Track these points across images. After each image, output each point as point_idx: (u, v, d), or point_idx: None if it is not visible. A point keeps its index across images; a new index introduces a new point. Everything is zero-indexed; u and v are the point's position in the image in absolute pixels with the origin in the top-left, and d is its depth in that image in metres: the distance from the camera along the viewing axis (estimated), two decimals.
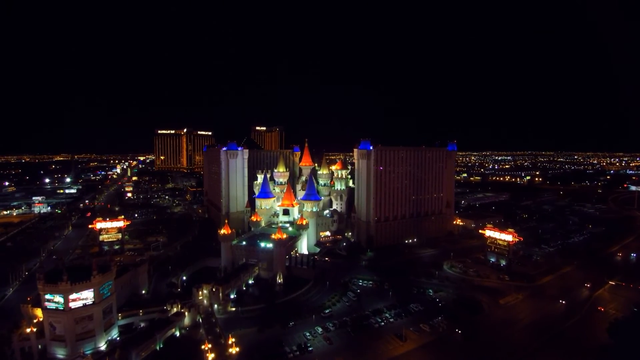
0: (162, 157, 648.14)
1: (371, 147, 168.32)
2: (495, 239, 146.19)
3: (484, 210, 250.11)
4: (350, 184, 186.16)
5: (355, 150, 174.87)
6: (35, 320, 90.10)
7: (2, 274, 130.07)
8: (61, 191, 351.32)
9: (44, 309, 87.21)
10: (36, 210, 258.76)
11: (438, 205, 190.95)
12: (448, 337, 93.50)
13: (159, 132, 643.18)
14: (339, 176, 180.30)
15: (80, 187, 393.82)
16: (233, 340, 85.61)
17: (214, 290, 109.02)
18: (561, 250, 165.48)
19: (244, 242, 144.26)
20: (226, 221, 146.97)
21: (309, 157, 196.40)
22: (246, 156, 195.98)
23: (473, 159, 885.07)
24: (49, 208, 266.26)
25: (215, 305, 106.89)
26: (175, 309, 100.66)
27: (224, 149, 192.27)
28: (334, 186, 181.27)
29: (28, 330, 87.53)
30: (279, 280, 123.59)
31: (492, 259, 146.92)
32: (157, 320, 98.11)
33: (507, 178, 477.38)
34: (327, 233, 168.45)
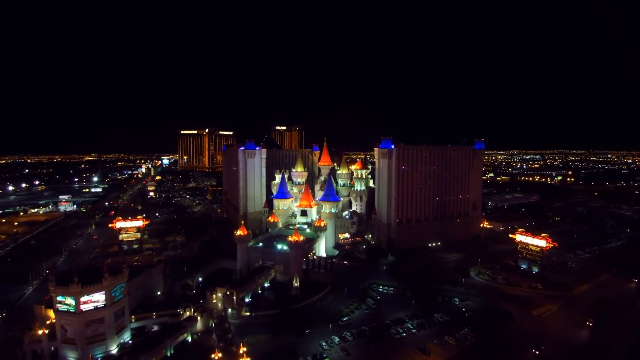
0: (185, 157, 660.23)
1: (392, 146, 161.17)
2: (527, 244, 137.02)
3: (512, 212, 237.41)
4: (371, 184, 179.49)
5: (375, 149, 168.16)
6: (47, 322, 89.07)
7: (24, 273, 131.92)
8: (87, 190, 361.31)
9: (56, 311, 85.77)
10: (62, 208, 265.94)
11: (464, 207, 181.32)
12: (475, 351, 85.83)
13: (182, 132, 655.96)
14: (359, 176, 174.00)
15: (106, 186, 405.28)
16: (244, 349, 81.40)
17: (228, 293, 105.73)
18: (597, 256, 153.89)
19: (261, 244, 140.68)
20: (242, 222, 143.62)
21: (328, 156, 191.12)
22: (264, 156, 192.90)
23: (500, 158, 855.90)
24: (75, 207, 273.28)
25: (229, 310, 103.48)
26: (187, 313, 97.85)
27: (242, 148, 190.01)
28: (354, 186, 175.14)
29: (40, 332, 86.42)
30: (295, 284, 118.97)
31: (524, 266, 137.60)
32: (168, 324, 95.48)
33: (537, 178, 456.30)
34: (346, 235, 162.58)
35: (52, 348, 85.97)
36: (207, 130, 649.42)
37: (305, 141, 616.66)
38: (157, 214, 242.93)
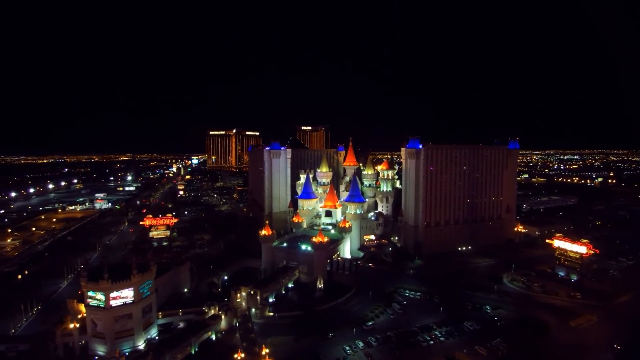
0: (213, 157, 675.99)
1: (421, 146, 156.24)
2: (566, 250, 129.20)
3: (549, 216, 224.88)
4: (398, 185, 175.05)
5: (403, 149, 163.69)
6: (79, 316, 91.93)
7: (60, 268, 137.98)
8: (121, 189, 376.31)
9: (87, 306, 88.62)
10: (97, 206, 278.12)
11: (497, 210, 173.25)
12: None
13: (211, 133, 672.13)
14: (385, 177, 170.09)
15: (139, 184, 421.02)
16: (267, 350, 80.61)
17: (252, 293, 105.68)
18: None
19: (285, 244, 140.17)
20: (267, 222, 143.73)
21: (354, 156, 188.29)
22: (289, 156, 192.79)
23: (535, 159, 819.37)
24: (110, 204, 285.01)
25: (253, 309, 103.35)
26: (212, 311, 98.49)
27: (267, 148, 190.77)
28: (380, 187, 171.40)
29: (71, 325, 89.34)
30: (319, 285, 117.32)
31: (561, 273, 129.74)
32: (193, 322, 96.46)
33: (576, 179, 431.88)
34: (372, 237, 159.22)
35: (83, 342, 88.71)
36: (234, 130, 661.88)
37: (330, 141, 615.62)
38: (186, 212, 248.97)
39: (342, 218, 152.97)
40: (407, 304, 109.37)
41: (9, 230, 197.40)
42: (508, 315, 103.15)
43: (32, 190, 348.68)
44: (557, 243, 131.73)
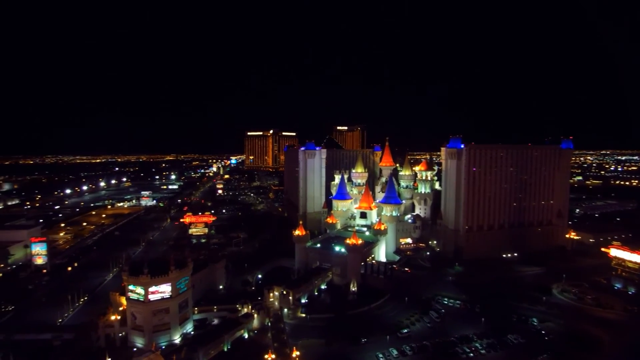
0: (250, 157, 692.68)
1: (462, 146, 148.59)
2: (623, 260, 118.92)
3: (605, 222, 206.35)
4: (437, 186, 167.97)
5: (443, 149, 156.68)
6: (120, 309, 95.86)
7: (106, 261, 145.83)
8: (165, 187, 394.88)
9: (127, 299, 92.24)
10: (143, 203, 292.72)
11: (546, 214, 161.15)
12: None
13: (249, 133, 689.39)
14: (424, 178, 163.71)
15: (181, 183, 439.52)
16: (298, 353, 79.34)
17: (284, 293, 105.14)
18: None
19: (319, 245, 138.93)
20: (300, 222, 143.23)
21: (390, 156, 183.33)
22: (324, 156, 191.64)
23: (590, 159, 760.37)
24: (154, 202, 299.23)
25: (285, 310, 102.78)
26: (245, 310, 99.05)
27: (302, 148, 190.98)
28: (418, 189, 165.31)
29: (113, 317, 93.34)
30: (353, 288, 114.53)
31: (618, 285, 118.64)
32: (226, 319, 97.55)
33: (635, 182, 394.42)
34: (408, 240, 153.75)
35: (123, 333, 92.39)
36: (271, 131, 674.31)
37: (366, 141, 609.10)
38: (224, 211, 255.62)
39: (378, 220, 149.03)
40: (446, 312, 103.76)
41: (62, 225, 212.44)
42: (557, 329, 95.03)
43: (85, 187, 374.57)
44: (614, 252, 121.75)
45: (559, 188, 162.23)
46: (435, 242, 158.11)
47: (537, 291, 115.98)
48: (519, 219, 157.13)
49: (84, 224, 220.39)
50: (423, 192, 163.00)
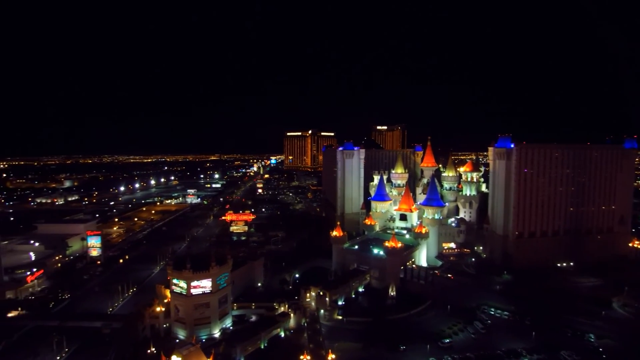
0: (290, 157, 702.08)
1: (512, 145, 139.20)
2: None
3: None
4: (483, 188, 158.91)
5: (490, 148, 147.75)
6: (165, 301, 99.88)
7: (154, 255, 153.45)
8: (209, 185, 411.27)
9: (171, 292, 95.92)
10: (189, 200, 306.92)
11: (607, 221, 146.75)
12: None
13: (288, 134, 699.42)
14: (469, 179, 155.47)
15: (224, 182, 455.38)
16: (333, 356, 77.83)
17: (321, 294, 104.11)
18: None
19: (356, 247, 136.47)
20: (338, 223, 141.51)
21: (432, 157, 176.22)
22: (362, 156, 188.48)
23: None
24: (199, 199, 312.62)
25: (322, 311, 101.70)
26: (282, 309, 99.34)
27: (340, 148, 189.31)
28: (462, 191, 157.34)
29: (158, 309, 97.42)
30: (391, 293, 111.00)
31: None
32: (264, 317, 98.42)
33: None
34: (452, 245, 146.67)
35: (167, 325, 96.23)
36: (310, 131, 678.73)
37: (407, 141, 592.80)
38: (263, 210, 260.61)
39: (418, 223, 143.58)
40: (492, 323, 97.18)
41: (116, 220, 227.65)
42: (616, 346, 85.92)
43: (137, 185, 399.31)
44: None
45: (621, 192, 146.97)
46: (481, 247, 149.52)
47: (595, 304, 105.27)
48: (575, 226, 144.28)
49: (135, 219, 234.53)
50: (468, 194, 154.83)
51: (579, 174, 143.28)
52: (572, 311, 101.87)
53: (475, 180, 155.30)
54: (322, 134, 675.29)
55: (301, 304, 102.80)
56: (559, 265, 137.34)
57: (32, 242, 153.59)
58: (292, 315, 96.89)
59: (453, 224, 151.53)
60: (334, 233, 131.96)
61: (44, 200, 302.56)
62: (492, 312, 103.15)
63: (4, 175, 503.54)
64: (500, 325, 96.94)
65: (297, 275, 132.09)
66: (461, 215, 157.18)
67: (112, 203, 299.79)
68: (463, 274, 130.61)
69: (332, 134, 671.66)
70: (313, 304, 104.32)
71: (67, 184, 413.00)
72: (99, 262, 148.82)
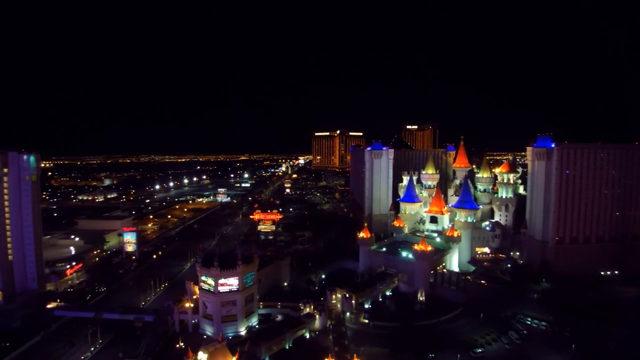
0: (318, 157, 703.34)
1: (553, 145, 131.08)
2: None
3: None
4: (521, 190, 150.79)
5: (529, 148, 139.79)
6: (194, 297, 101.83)
7: (185, 251, 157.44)
8: (239, 185, 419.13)
9: (200, 288, 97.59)
10: (219, 199, 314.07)
11: None
12: None
13: (316, 134, 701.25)
14: (505, 181, 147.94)
15: (253, 182, 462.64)
16: None
17: (347, 296, 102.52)
18: None
19: (384, 249, 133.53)
20: (365, 224, 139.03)
21: (465, 157, 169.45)
22: (391, 156, 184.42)
23: None
24: (229, 198, 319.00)
25: (347, 314, 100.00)
26: (307, 309, 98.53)
27: (369, 148, 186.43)
28: (498, 193, 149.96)
29: (187, 305, 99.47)
30: (420, 298, 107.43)
31: None
32: (289, 317, 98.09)
33: None
34: (486, 250, 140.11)
35: (195, 320, 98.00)
36: (338, 131, 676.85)
37: (438, 141, 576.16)
38: (291, 209, 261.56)
39: (450, 226, 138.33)
40: (528, 333, 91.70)
41: (151, 217, 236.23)
42: None
43: (171, 184, 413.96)
44: None
45: None
46: (517, 253, 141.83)
47: None
48: (622, 231, 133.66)
49: (169, 216, 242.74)
50: (504, 196, 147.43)
51: (625, 176, 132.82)
52: (617, 323, 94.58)
53: (512, 181, 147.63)
54: (351, 133, 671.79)
55: (327, 305, 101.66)
56: (602, 273, 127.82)
57: (72, 237, 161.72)
58: (317, 316, 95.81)
59: (487, 228, 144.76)
60: (361, 234, 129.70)
61: (85, 198, 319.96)
62: (529, 322, 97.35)
63: (49, 173, 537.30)
64: (537, 336, 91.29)
65: (323, 276, 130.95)
66: (496, 218, 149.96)
67: (147, 201, 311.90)
68: (498, 281, 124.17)
69: (361, 133, 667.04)
70: (339, 306, 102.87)
71: (107, 182, 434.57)
72: (133, 257, 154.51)
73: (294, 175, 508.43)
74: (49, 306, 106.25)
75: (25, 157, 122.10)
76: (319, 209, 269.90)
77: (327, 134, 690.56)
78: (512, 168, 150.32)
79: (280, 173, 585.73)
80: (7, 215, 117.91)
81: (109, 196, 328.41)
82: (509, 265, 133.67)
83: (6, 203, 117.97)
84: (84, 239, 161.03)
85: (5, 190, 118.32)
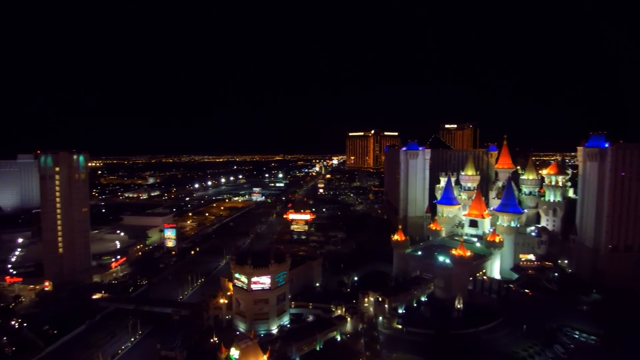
0: (352, 158, 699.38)
1: (607, 144, 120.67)
2: None
3: None
4: (570, 194, 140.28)
5: (580, 148, 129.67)
6: (228, 293, 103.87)
7: (221, 248, 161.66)
8: (273, 184, 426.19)
9: (234, 285, 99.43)
10: (254, 198, 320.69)
11: None
12: None
13: (350, 134, 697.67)
14: (553, 183, 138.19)
15: (287, 182, 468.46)
16: None
17: (380, 300, 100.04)
18: None
19: (419, 253, 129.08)
20: (400, 227, 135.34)
21: (509, 157, 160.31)
22: (428, 156, 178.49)
23: None
24: (263, 197, 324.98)
25: (380, 318, 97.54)
26: (339, 311, 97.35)
27: (404, 148, 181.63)
28: (545, 196, 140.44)
29: (221, 301, 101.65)
30: (458, 305, 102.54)
31: None
32: (320, 318, 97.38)
33: None
34: (531, 257, 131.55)
35: (229, 316, 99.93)
36: (372, 131, 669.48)
37: (479, 140, 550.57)
38: (324, 210, 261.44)
39: (491, 230, 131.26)
40: (576, 348, 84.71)
41: (190, 214, 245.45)
42: None
43: (209, 183, 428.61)
44: None
45: None
46: (565, 261, 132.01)
47: None
48: None
49: (207, 214, 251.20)
50: (552, 200, 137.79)
51: None
52: None
53: (560, 184, 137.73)
54: (385, 133, 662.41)
55: (359, 308, 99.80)
56: None
57: (118, 232, 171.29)
58: (348, 319, 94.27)
59: (533, 234, 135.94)
60: (396, 237, 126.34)
61: (130, 195, 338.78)
62: (577, 336, 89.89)
63: (99, 172, 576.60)
64: (586, 351, 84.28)
65: (355, 278, 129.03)
66: (543, 223, 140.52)
67: (187, 199, 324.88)
68: (543, 290, 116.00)
69: (396, 133, 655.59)
70: (371, 309, 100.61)
71: (151, 180, 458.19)
72: (173, 253, 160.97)
73: (328, 176, 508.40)
74: (94, 297, 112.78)
75: (75, 156, 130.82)
76: (353, 210, 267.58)
77: (362, 134, 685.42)
78: (561, 169, 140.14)
79: (314, 173, 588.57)
80: (58, 211, 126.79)
81: (152, 194, 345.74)
82: (556, 274, 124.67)
83: (58, 200, 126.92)
84: (129, 234, 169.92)
85: (57, 188, 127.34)
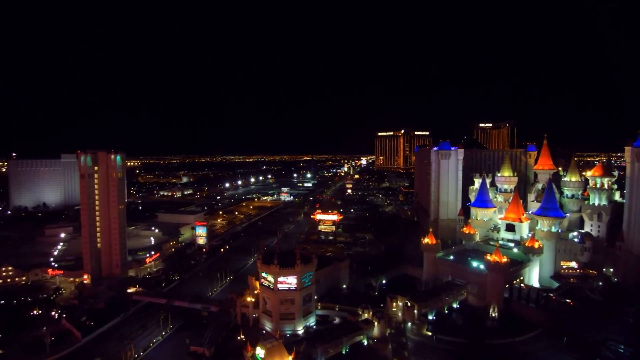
0: (381, 158, 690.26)
1: None
2: None
3: None
4: (617, 197, 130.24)
5: (627, 148, 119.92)
6: (255, 292, 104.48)
7: (250, 247, 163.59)
8: (301, 184, 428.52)
9: (261, 284, 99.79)
10: (282, 198, 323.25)
11: None
12: None
13: (379, 134, 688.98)
14: (598, 186, 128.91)
15: (315, 182, 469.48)
16: None
17: (408, 305, 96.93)
18: None
19: (451, 257, 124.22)
20: (431, 229, 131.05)
21: (549, 158, 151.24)
22: (461, 157, 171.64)
23: None
24: (291, 197, 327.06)
25: (409, 324, 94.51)
26: (366, 315, 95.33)
27: (435, 148, 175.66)
28: (589, 199, 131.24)
29: (248, 299, 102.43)
30: (493, 314, 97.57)
31: None
32: (346, 321, 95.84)
33: None
34: (573, 264, 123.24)
35: (255, 315, 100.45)
36: (402, 131, 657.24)
37: (517, 140, 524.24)
38: (352, 210, 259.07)
39: (530, 235, 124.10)
40: None
41: (220, 213, 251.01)
42: None
43: (239, 182, 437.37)
44: None
45: None
46: (611, 270, 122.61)
47: None
48: None
49: (236, 213, 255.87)
50: (597, 204, 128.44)
51: None
52: None
53: (606, 186, 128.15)
54: (416, 133, 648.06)
55: (386, 312, 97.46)
56: None
57: (153, 228, 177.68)
58: (376, 323, 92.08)
59: (575, 240, 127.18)
60: (426, 240, 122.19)
61: (165, 193, 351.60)
62: (621, 350, 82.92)
63: (137, 171, 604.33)
64: None
65: (383, 281, 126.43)
66: (586, 229, 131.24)
67: (218, 197, 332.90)
68: (586, 300, 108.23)
69: (427, 132, 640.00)
70: (399, 314, 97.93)
71: (185, 179, 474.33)
72: (204, 250, 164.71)
73: (356, 176, 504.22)
74: (129, 290, 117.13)
75: (112, 156, 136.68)
76: (381, 211, 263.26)
77: (391, 133, 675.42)
78: (607, 171, 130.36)
79: (342, 173, 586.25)
80: (97, 208, 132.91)
81: (185, 192, 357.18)
82: (600, 283, 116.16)
83: (96, 197, 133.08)
84: (162, 230, 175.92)
85: (96, 186, 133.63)
